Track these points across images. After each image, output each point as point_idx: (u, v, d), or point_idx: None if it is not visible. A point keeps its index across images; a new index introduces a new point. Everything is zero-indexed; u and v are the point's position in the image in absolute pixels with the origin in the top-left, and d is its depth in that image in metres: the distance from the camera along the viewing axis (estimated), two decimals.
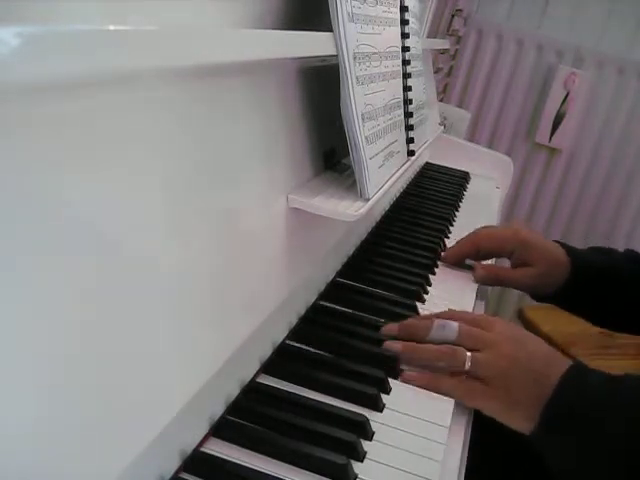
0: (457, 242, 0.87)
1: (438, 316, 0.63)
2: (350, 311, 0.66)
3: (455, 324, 0.59)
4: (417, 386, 0.56)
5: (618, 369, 0.59)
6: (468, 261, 0.86)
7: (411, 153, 0.82)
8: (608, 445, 0.51)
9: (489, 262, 0.88)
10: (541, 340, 0.60)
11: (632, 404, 0.53)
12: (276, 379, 0.52)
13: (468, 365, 0.56)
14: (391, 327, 0.62)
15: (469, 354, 0.56)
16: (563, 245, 0.83)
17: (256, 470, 0.42)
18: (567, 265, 0.80)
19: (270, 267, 0.51)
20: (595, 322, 0.88)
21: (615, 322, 0.86)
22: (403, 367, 0.58)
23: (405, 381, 0.56)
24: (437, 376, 0.57)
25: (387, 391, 0.54)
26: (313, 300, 0.66)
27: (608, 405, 0.53)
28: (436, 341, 0.59)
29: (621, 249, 0.87)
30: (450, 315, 0.63)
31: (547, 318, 1.60)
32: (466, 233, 0.87)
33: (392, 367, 0.57)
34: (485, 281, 0.82)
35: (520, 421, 0.55)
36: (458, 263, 0.85)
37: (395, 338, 0.61)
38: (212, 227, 0.42)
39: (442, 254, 0.87)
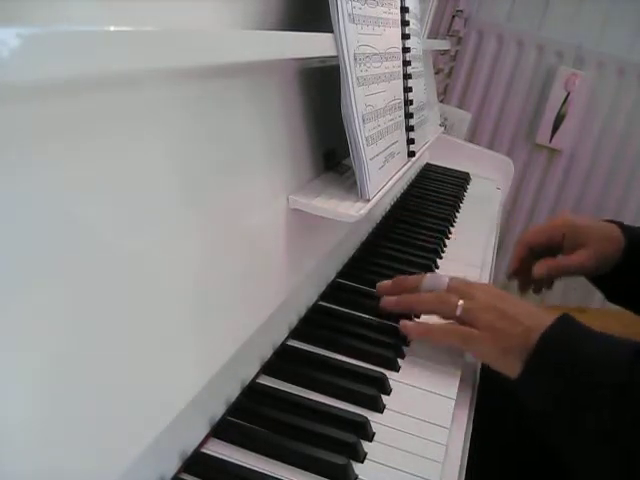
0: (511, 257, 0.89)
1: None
2: (350, 312, 0.66)
3: (446, 277, 0.64)
4: (414, 337, 0.61)
5: None
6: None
7: (411, 154, 0.82)
8: (593, 393, 0.51)
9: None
10: (521, 300, 0.62)
11: (615, 359, 0.53)
12: (276, 380, 0.52)
13: (459, 312, 0.59)
14: (385, 283, 0.68)
15: (460, 301, 0.60)
16: (615, 222, 0.83)
17: (256, 471, 0.42)
18: (621, 240, 0.80)
19: (271, 268, 0.51)
20: None
21: None
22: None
23: (403, 329, 0.61)
24: (431, 325, 0.61)
25: (387, 392, 0.54)
26: (313, 301, 0.66)
27: (592, 354, 0.53)
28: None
29: None
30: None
31: None
32: (467, 234, 0.86)
33: (392, 367, 0.57)
34: (547, 274, 0.82)
35: (511, 367, 0.56)
36: (523, 272, 0.86)
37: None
38: (212, 228, 0.42)
39: (507, 274, 0.89)
